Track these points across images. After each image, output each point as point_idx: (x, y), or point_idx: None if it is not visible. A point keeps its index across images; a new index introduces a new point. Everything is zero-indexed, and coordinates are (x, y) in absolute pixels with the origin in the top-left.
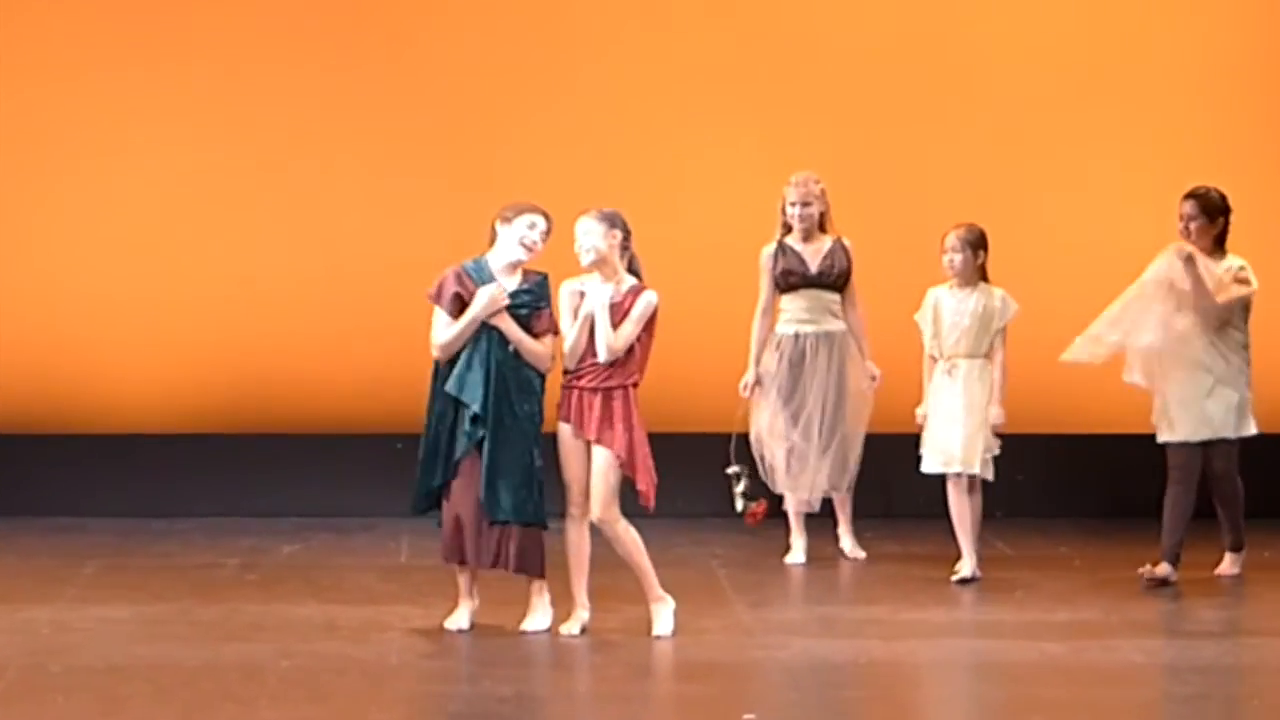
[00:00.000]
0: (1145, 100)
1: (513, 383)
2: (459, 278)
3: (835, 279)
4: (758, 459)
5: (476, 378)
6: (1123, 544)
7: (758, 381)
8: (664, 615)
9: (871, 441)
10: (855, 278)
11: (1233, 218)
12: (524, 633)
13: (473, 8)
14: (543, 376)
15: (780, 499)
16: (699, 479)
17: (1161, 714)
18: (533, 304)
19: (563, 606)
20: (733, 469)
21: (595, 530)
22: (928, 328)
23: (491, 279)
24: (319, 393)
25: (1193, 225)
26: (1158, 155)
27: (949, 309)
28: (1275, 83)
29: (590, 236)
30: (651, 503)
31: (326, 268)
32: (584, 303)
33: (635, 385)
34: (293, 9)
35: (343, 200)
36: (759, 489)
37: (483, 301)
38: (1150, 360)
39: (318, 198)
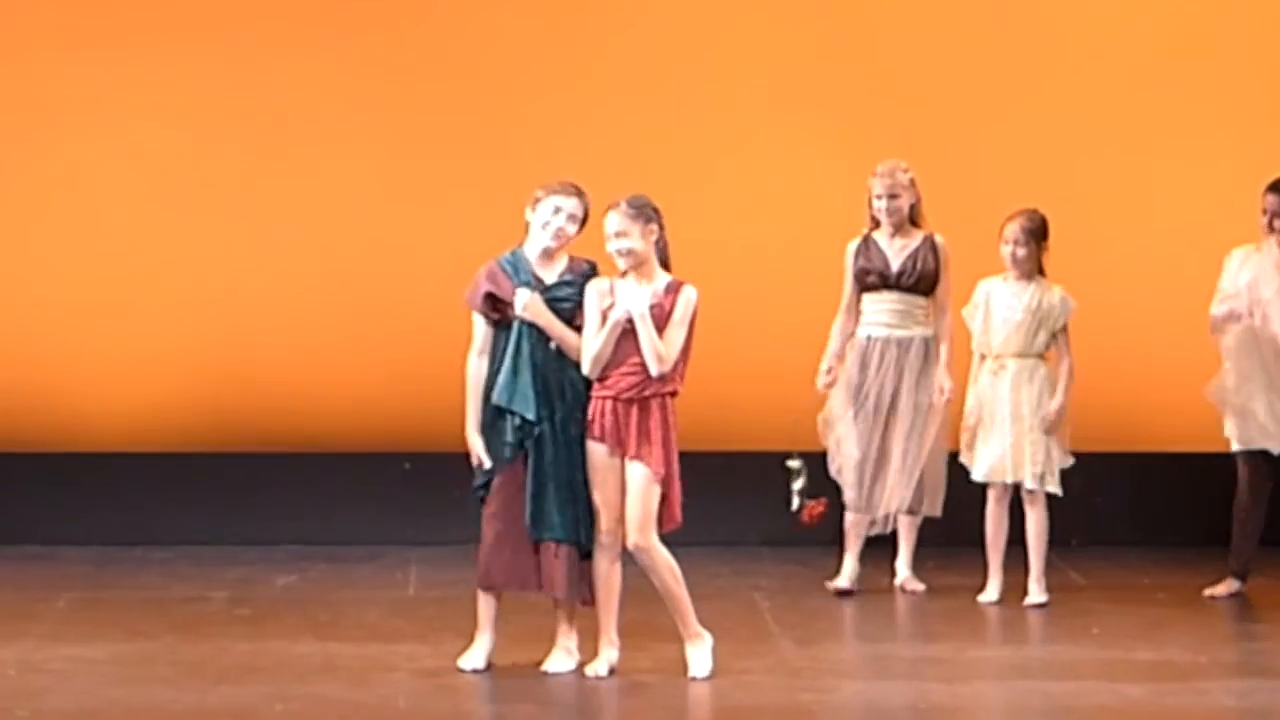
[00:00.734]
0: (1218, 89)
1: (556, 387)
2: (491, 275)
3: (916, 281)
4: (833, 471)
5: (525, 384)
6: (1212, 575)
7: (833, 382)
8: (701, 654)
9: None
10: (950, 279)
11: None
12: (546, 674)
13: None
14: (588, 382)
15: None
16: (739, 502)
17: None
18: (575, 297)
19: (589, 645)
20: (793, 462)
21: (627, 559)
22: (977, 323)
23: (529, 274)
24: (317, 407)
25: (1277, 222)
26: (1233, 147)
27: (1001, 302)
28: None
29: (626, 239)
30: (680, 520)
31: (326, 268)
32: (615, 307)
33: (674, 395)
34: None
35: (344, 191)
36: (820, 488)
37: (524, 312)
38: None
39: (316, 189)
